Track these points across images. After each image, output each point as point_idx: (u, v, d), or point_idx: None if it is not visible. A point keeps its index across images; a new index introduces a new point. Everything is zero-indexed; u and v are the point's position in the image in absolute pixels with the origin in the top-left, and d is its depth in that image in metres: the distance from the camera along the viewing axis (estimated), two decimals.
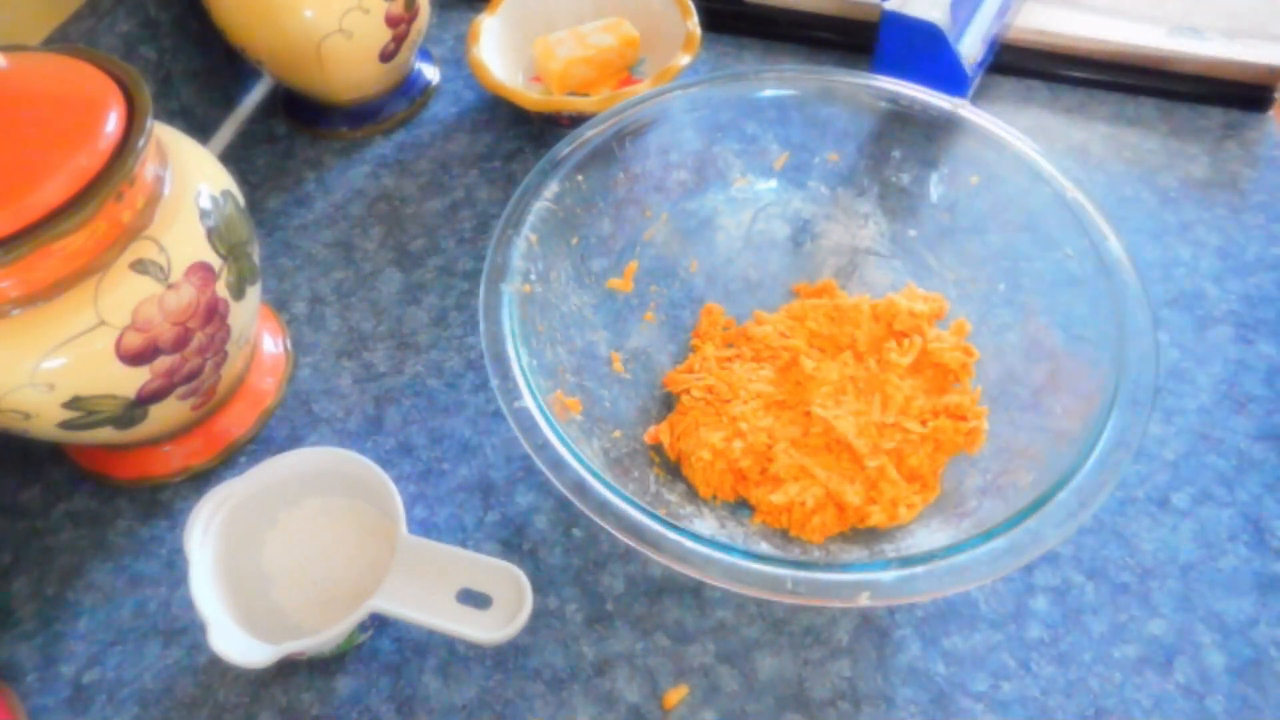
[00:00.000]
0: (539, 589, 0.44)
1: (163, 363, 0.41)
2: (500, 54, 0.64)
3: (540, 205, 0.46)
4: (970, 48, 0.61)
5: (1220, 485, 0.47)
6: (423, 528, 0.47)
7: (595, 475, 0.37)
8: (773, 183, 0.53)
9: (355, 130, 0.65)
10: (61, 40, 0.52)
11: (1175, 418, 0.49)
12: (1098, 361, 0.41)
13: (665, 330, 0.51)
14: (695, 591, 0.44)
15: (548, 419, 0.39)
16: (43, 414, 0.40)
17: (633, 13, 0.65)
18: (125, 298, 0.39)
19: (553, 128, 0.63)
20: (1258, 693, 0.41)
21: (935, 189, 0.51)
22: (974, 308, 0.49)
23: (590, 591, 0.45)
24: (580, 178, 0.48)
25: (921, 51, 0.60)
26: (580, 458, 0.38)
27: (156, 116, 0.40)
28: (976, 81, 0.63)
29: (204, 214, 0.42)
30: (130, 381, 0.41)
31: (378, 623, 0.43)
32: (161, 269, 0.40)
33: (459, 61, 0.70)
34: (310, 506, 0.45)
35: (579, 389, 0.45)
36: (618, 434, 0.45)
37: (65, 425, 0.41)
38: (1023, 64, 0.65)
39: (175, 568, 0.46)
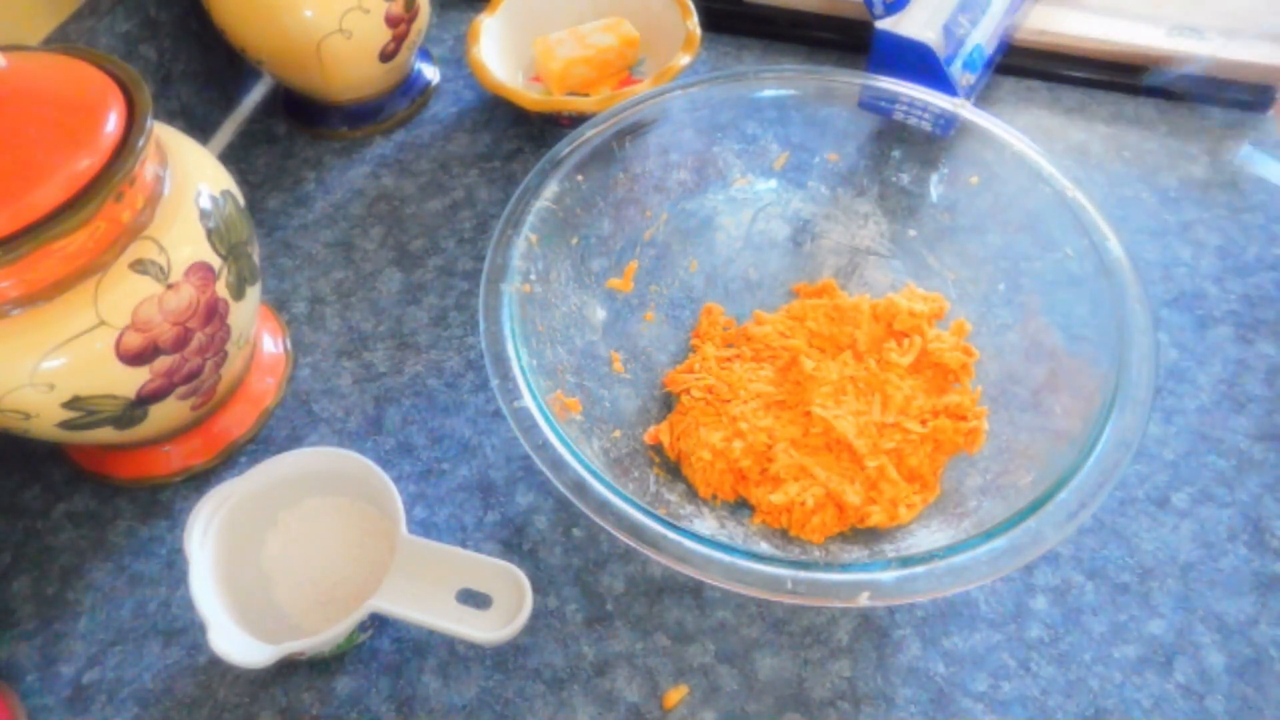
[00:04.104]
0: (539, 589, 0.44)
1: (163, 363, 0.41)
2: (500, 54, 0.64)
3: (540, 205, 0.46)
4: (960, 72, 0.60)
5: (1220, 485, 0.47)
6: (423, 528, 0.47)
7: (595, 475, 0.37)
8: (773, 183, 0.53)
9: (355, 130, 0.65)
10: (61, 40, 0.52)
11: (1175, 418, 0.49)
12: (1098, 361, 0.41)
13: (665, 330, 0.51)
14: (695, 591, 0.44)
15: (548, 419, 0.39)
16: (43, 414, 0.40)
17: (633, 13, 0.65)
18: (125, 298, 0.39)
19: (553, 128, 0.63)
20: (1258, 693, 0.41)
21: (935, 189, 0.51)
22: (974, 308, 0.49)
23: (590, 591, 0.45)
24: (580, 178, 0.48)
25: (913, 70, 0.59)
26: (580, 458, 0.38)
27: (156, 116, 0.40)
28: (973, 98, 0.63)
29: (204, 214, 0.42)
30: (130, 381, 0.41)
31: (378, 623, 0.43)
32: (161, 269, 0.40)
33: (459, 61, 0.70)
34: (310, 506, 0.45)
35: (579, 389, 0.45)
36: (618, 434, 0.45)
37: (65, 425, 0.41)
38: (1023, 64, 0.65)
39: (175, 568, 0.46)
